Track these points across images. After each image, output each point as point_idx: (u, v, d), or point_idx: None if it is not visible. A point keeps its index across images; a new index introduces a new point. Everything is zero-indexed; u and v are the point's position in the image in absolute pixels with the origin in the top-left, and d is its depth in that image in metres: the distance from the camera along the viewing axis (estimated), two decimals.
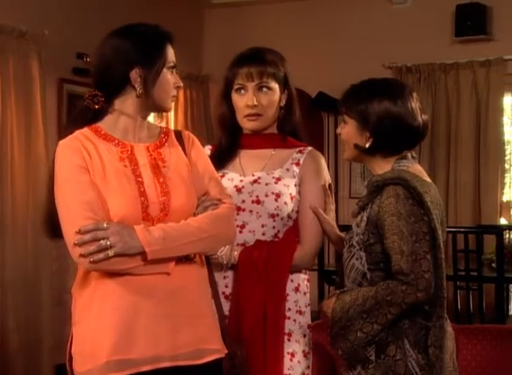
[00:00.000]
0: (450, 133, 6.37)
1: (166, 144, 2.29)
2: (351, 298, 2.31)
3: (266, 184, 2.59)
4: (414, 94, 2.43)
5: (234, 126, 2.68)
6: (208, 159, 2.38)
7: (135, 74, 2.17)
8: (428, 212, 2.27)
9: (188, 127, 6.70)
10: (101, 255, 2.03)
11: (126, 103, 2.21)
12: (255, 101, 2.59)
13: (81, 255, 2.04)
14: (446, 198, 6.19)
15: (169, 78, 2.22)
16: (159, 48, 2.20)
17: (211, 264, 2.41)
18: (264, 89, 2.61)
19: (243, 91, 2.62)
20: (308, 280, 2.66)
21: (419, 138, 2.45)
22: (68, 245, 2.09)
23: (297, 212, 2.61)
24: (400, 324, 2.27)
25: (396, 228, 2.24)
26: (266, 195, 2.58)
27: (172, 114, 6.76)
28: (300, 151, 2.67)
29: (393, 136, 2.39)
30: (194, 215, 2.23)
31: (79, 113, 2.27)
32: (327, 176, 2.68)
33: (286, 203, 2.58)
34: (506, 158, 6.36)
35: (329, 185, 2.68)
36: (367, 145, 2.41)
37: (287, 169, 2.63)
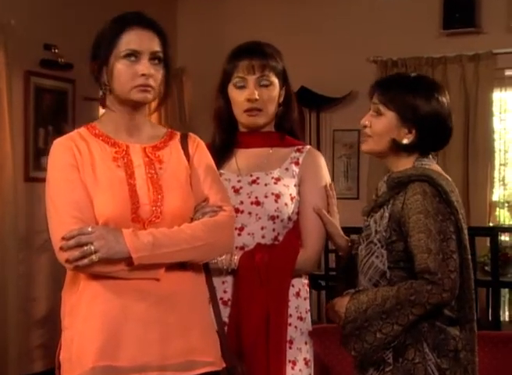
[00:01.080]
0: None
1: (167, 146, 2.30)
2: (368, 297, 2.32)
3: (265, 185, 2.60)
4: (447, 94, 2.47)
5: (230, 122, 2.68)
6: (213, 165, 2.38)
7: (92, 68, 2.23)
8: (455, 211, 2.31)
9: (162, 122, 6.65)
10: (85, 261, 2.06)
11: (109, 100, 2.26)
12: (256, 95, 2.59)
13: (67, 261, 2.09)
14: None
15: (124, 68, 2.18)
16: (108, 38, 2.20)
17: (210, 269, 2.41)
18: (265, 82, 2.61)
19: (242, 85, 2.61)
20: (308, 285, 2.68)
21: (449, 139, 2.49)
22: (54, 248, 2.13)
23: (297, 213, 2.62)
24: (419, 327, 2.29)
25: (423, 226, 2.27)
26: (265, 196, 2.58)
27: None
28: (298, 150, 2.68)
29: (436, 135, 2.41)
30: (192, 222, 2.23)
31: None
32: (327, 176, 2.69)
33: (286, 204, 2.58)
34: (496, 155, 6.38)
35: (330, 185, 2.69)
36: (405, 141, 2.41)
37: (286, 169, 2.64)
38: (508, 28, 6.17)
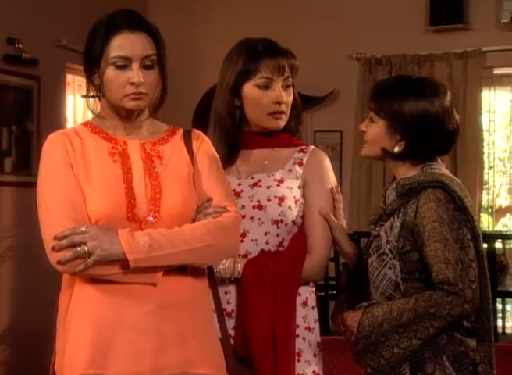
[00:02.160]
0: None
1: (169, 142, 2.29)
2: (383, 311, 2.32)
3: (268, 187, 2.59)
4: (449, 93, 2.47)
5: (236, 124, 2.66)
6: (218, 162, 2.37)
7: (84, 69, 2.24)
8: (471, 218, 2.32)
9: None
10: (81, 266, 2.06)
11: (103, 101, 2.28)
12: (284, 98, 2.60)
13: (59, 262, 2.08)
14: None
15: (113, 76, 2.18)
16: (97, 42, 2.19)
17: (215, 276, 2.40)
18: (289, 83, 2.63)
19: (266, 85, 2.60)
20: (315, 293, 2.67)
21: (452, 143, 2.48)
22: (46, 248, 2.12)
23: (302, 217, 2.61)
24: (438, 339, 2.30)
25: (438, 235, 2.27)
26: (268, 199, 2.57)
27: None
28: (302, 150, 2.68)
29: (427, 141, 2.41)
30: (193, 222, 2.21)
31: None
32: (333, 177, 2.70)
33: (290, 207, 2.58)
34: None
35: (336, 187, 2.69)
36: (396, 150, 2.43)
37: (289, 170, 2.64)
38: (498, 24, 6.23)
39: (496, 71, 6.33)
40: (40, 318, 5.31)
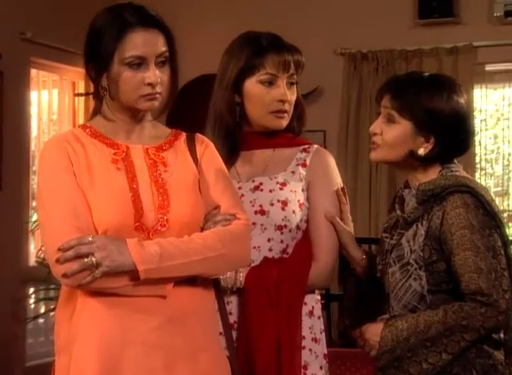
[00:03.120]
0: None
1: (172, 147, 2.29)
2: (408, 324, 2.28)
3: (270, 191, 2.56)
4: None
5: (237, 123, 2.62)
6: (224, 168, 2.35)
7: (89, 71, 2.21)
8: (500, 223, 2.30)
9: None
10: (88, 278, 2.04)
11: (105, 103, 2.24)
12: (289, 96, 2.57)
13: (64, 275, 2.04)
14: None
15: (127, 76, 2.16)
16: (108, 40, 2.16)
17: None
18: (293, 81, 2.60)
19: (270, 82, 2.56)
20: (320, 301, 2.65)
21: (472, 142, 2.47)
22: (48, 261, 2.09)
23: (306, 221, 2.59)
24: (467, 353, 2.27)
25: (469, 242, 2.24)
26: (271, 204, 2.54)
27: (82, 106, 6.55)
28: (304, 150, 2.65)
29: (459, 142, 2.39)
30: (202, 231, 2.21)
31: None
32: (339, 178, 2.67)
33: (294, 212, 2.55)
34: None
35: (342, 188, 2.66)
36: (421, 151, 2.37)
37: (292, 172, 2.61)
38: (490, 18, 6.23)
39: (488, 67, 6.34)
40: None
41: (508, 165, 6.57)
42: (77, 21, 5.91)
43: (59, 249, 2.03)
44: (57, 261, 2.03)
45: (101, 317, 2.10)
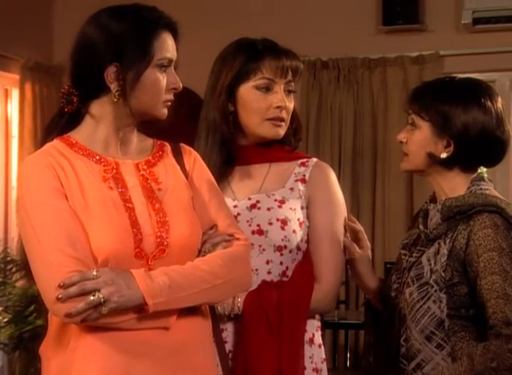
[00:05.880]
0: (377, 143, 6.48)
1: (161, 161, 2.27)
2: None
3: (268, 209, 2.56)
4: (499, 99, 2.46)
5: (231, 134, 2.61)
6: (215, 183, 2.35)
7: (110, 73, 2.15)
8: None
9: (37, 131, 6.39)
10: (93, 315, 1.99)
11: (105, 109, 2.19)
12: (287, 103, 2.57)
13: (68, 315, 1.98)
14: (372, 225, 6.18)
15: (157, 79, 2.18)
16: (141, 40, 2.16)
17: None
18: (291, 88, 2.61)
19: (266, 88, 2.57)
20: (321, 328, 2.64)
21: (505, 152, 2.47)
22: (45, 298, 2.02)
23: (307, 241, 2.58)
24: None
25: (497, 266, 2.25)
26: (270, 223, 2.54)
27: (15, 115, 6.46)
28: (303, 164, 2.65)
29: (479, 146, 2.40)
30: (200, 253, 2.20)
31: (54, 118, 2.26)
32: (340, 193, 2.67)
33: (294, 231, 2.55)
34: None
35: (351, 218, 2.67)
36: (443, 155, 2.40)
37: (291, 189, 2.61)
38: (458, 26, 6.32)
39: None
40: None
41: None
42: (9, 24, 5.91)
43: (60, 286, 1.97)
44: (58, 299, 1.97)
45: (99, 354, 2.06)
